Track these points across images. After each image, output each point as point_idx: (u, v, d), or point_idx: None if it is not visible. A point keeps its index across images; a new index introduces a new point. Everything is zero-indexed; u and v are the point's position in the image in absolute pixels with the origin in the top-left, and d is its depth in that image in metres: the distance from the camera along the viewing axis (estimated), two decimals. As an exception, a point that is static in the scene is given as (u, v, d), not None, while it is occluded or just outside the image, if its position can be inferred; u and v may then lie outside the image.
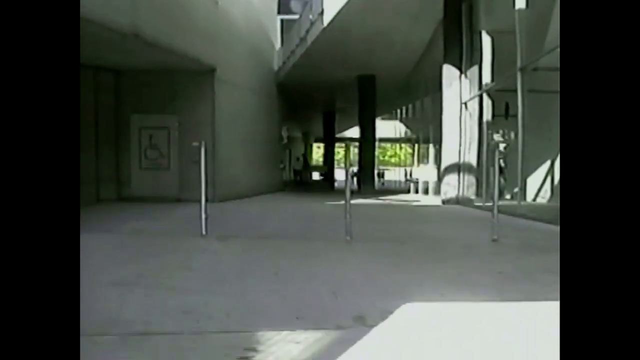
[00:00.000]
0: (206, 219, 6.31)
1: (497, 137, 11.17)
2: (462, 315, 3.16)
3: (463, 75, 12.26)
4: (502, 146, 7.70)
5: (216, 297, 3.50)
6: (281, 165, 23.23)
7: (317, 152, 49.04)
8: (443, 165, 12.94)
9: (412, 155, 22.35)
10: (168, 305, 3.30)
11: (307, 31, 17.20)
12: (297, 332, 2.77)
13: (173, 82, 12.44)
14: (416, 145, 21.31)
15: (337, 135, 35.96)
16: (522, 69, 9.13)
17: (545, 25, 8.68)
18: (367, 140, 21.63)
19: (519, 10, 9.34)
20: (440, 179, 13.73)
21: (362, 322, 2.95)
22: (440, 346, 2.64)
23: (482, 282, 4.08)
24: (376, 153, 24.04)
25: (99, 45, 9.19)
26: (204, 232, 6.25)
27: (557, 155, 8.97)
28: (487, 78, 11.46)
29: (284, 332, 2.76)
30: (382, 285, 3.96)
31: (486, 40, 11.39)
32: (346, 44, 16.15)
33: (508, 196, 9.99)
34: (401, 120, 26.39)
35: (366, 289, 3.80)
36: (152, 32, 9.53)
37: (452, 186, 12.55)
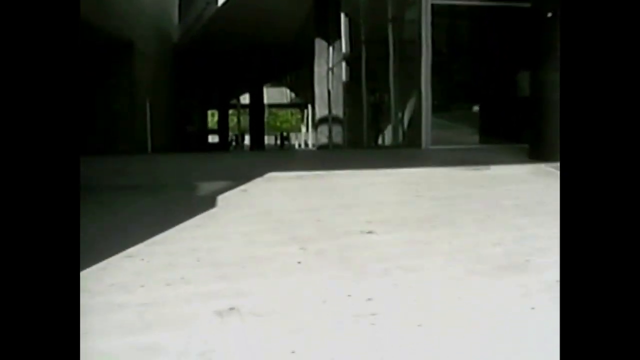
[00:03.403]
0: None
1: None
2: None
3: (330, 47, 15.66)
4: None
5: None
6: (189, 128, 26.17)
7: (212, 120, 51.40)
8: (317, 119, 16.40)
9: (302, 120, 25.54)
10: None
11: (203, 10, 20.26)
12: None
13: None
14: (305, 111, 24.54)
15: (231, 102, 38.87)
16: (365, 42, 12.62)
17: (379, 11, 12.10)
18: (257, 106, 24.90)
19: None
20: (315, 129, 17.21)
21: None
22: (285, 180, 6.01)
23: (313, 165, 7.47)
24: (266, 119, 27.35)
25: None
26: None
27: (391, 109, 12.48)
28: (346, 49, 14.91)
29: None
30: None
31: (345, 21, 14.80)
32: (236, 21, 19.29)
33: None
34: (289, 87, 29.51)
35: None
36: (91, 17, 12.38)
37: (324, 135, 16.02)
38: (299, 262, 3.78)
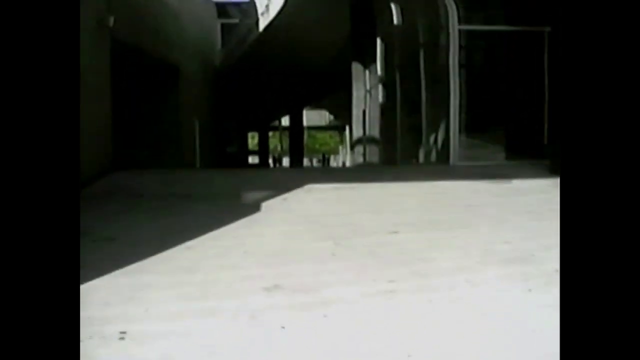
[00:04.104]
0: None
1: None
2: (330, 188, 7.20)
3: (367, 70, 16.33)
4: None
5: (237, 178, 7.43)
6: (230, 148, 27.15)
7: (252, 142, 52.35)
8: (354, 138, 17.04)
9: (340, 142, 26.28)
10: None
11: (245, 35, 21.14)
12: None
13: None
14: (343, 133, 25.23)
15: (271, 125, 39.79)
16: (399, 66, 13.27)
17: (411, 36, 12.73)
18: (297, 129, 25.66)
19: (396, 25, 13.44)
20: (352, 149, 17.86)
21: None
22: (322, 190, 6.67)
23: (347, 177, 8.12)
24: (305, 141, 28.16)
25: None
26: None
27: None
28: (381, 73, 15.56)
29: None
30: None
31: (381, 45, 15.47)
32: (277, 46, 20.10)
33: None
34: (328, 109, 30.20)
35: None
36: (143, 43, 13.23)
37: (360, 154, 16.66)
38: (333, 254, 4.41)
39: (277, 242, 4.76)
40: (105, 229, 5.20)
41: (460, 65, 10.14)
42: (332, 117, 32.74)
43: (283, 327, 3.03)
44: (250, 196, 6.57)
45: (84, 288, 3.63)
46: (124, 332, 2.98)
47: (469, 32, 10.37)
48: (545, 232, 5.01)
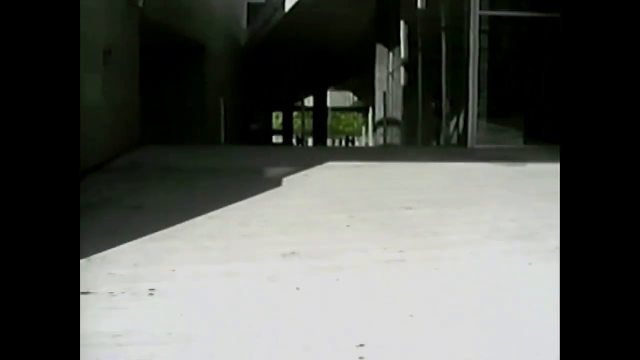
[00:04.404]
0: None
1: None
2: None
3: (390, 52, 16.51)
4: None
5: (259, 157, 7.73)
6: (254, 126, 27.46)
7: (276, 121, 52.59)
8: (376, 120, 17.27)
9: (364, 124, 26.47)
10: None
11: (271, 15, 21.38)
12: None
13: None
14: (366, 114, 25.39)
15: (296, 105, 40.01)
16: (421, 49, 13.45)
17: (433, 19, 12.90)
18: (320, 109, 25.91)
19: (420, 8, 13.59)
20: (374, 131, 18.10)
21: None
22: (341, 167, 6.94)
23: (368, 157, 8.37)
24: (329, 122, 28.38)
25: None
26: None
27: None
28: (404, 55, 15.74)
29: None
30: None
31: (404, 28, 15.63)
32: (302, 27, 20.32)
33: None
34: (352, 91, 30.38)
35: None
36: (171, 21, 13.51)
37: (381, 135, 16.89)
38: (348, 225, 4.68)
39: (295, 214, 5.03)
40: (134, 198, 5.52)
41: (482, 50, 10.31)
42: (355, 98, 32.96)
43: (298, 288, 3.31)
44: (272, 171, 6.84)
45: (115, 251, 3.95)
46: (152, 289, 3.27)
47: (492, 17, 10.54)
48: (552, 212, 5.22)
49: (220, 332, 2.77)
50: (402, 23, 15.32)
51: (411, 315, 2.96)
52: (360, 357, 2.49)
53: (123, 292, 3.23)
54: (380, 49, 16.83)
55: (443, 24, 12.09)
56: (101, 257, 3.81)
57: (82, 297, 3.10)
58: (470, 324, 2.87)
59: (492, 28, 10.83)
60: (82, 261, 3.68)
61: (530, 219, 5.06)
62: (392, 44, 16.17)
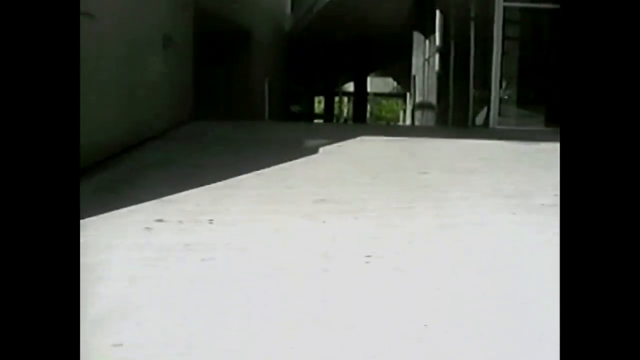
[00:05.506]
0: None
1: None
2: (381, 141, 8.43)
3: (426, 40, 17.37)
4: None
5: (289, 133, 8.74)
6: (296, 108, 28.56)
7: (319, 106, 53.39)
8: (412, 105, 18.17)
9: (402, 109, 27.24)
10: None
11: (314, 3, 22.35)
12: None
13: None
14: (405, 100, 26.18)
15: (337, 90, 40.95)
16: (454, 37, 14.30)
17: (464, 9, 13.72)
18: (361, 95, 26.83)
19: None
20: (411, 115, 18.99)
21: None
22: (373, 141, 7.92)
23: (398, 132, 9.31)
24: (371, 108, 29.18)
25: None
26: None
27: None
28: (439, 43, 16.59)
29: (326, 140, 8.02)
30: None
31: (439, 17, 16.46)
32: (344, 14, 21.25)
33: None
34: (393, 77, 31.13)
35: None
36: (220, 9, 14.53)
37: (417, 119, 17.78)
38: (370, 184, 5.66)
39: (327, 174, 6.03)
40: (193, 159, 6.58)
41: (507, 39, 11.16)
42: (395, 84, 33.76)
43: (324, 222, 4.32)
44: (310, 142, 7.81)
45: (181, 195, 4.99)
46: (211, 220, 4.30)
47: (513, 8, 11.38)
48: (548, 180, 6.12)
49: (267, 247, 3.83)
50: (437, 12, 16.15)
51: (410, 242, 3.95)
52: (367, 260, 3.50)
53: (188, 222, 4.26)
54: (417, 36, 17.73)
55: (472, 14, 12.94)
56: (170, 199, 4.84)
57: (157, 223, 4.17)
58: (454, 247, 3.88)
59: (520, 18, 11.69)
60: (155, 202, 4.75)
61: (526, 183, 5.95)
62: (428, 31, 17.02)
